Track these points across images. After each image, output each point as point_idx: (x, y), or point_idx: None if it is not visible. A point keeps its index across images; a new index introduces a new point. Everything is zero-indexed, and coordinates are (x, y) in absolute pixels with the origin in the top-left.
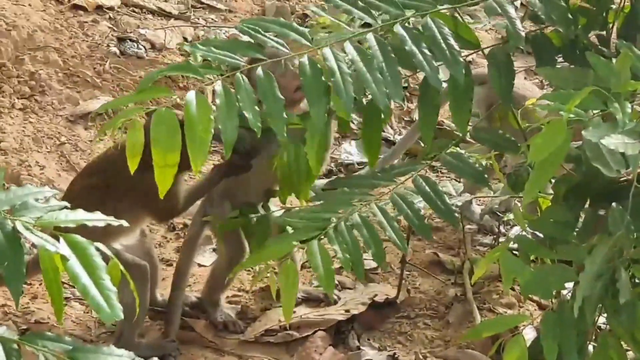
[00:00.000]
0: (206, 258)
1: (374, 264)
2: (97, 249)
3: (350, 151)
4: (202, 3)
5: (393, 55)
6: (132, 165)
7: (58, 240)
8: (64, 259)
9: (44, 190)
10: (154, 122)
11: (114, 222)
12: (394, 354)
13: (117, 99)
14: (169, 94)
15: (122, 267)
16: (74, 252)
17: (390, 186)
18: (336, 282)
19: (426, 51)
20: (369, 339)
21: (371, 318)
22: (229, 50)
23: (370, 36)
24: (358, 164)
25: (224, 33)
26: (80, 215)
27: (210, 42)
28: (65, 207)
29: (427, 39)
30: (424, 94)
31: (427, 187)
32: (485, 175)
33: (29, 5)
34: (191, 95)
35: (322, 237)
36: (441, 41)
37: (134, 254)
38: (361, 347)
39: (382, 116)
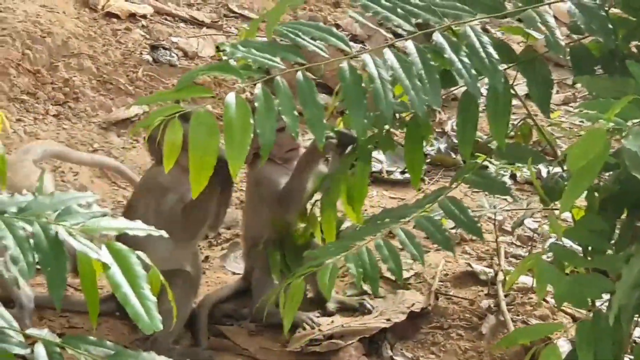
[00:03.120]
0: (239, 265)
1: (406, 274)
2: (138, 258)
3: (380, 159)
4: (234, 12)
5: (432, 63)
6: (168, 165)
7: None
8: (105, 266)
9: (86, 196)
10: (193, 123)
11: (155, 232)
12: None
13: (155, 94)
14: (208, 93)
15: (162, 277)
16: (115, 260)
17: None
18: (368, 291)
19: (465, 59)
20: (402, 349)
21: (405, 328)
22: (268, 52)
23: (409, 43)
24: (387, 172)
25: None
26: (123, 223)
27: (250, 43)
28: (107, 214)
29: (466, 48)
30: (463, 107)
31: (452, 206)
32: (509, 187)
33: (64, 12)
34: (231, 97)
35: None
36: (480, 50)
37: (182, 261)
38: (394, 357)
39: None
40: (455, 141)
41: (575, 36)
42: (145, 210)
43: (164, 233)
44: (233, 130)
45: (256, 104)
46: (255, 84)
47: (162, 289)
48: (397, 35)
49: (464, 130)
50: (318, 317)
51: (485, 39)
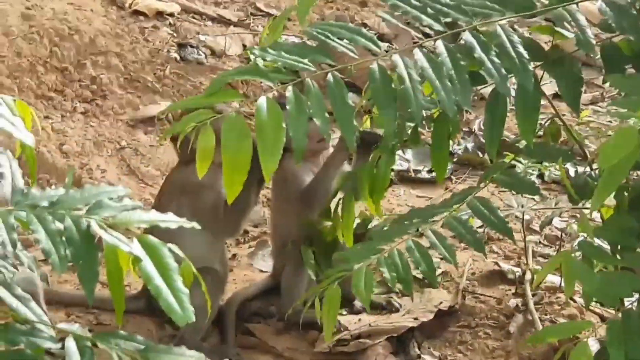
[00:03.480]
0: (267, 263)
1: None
2: (170, 251)
3: (407, 157)
4: (261, 11)
5: (462, 63)
6: (201, 170)
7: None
8: (137, 259)
9: (117, 190)
10: (224, 127)
11: (187, 224)
12: None
13: (185, 99)
14: (239, 97)
15: (194, 270)
16: (146, 252)
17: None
18: (396, 290)
19: (495, 59)
20: (429, 348)
21: (432, 326)
22: (298, 54)
23: (439, 43)
24: (414, 171)
25: (283, 41)
26: (154, 216)
27: (280, 46)
28: (139, 207)
29: (496, 47)
30: (491, 106)
31: (481, 207)
32: (537, 186)
33: (91, 10)
34: (262, 100)
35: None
36: (510, 49)
37: (211, 259)
38: (422, 356)
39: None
40: (483, 140)
41: (605, 35)
42: (177, 210)
43: (195, 225)
44: (265, 133)
45: (287, 107)
46: (283, 85)
47: (192, 286)
48: (426, 35)
49: (492, 129)
50: (345, 315)
51: (516, 38)
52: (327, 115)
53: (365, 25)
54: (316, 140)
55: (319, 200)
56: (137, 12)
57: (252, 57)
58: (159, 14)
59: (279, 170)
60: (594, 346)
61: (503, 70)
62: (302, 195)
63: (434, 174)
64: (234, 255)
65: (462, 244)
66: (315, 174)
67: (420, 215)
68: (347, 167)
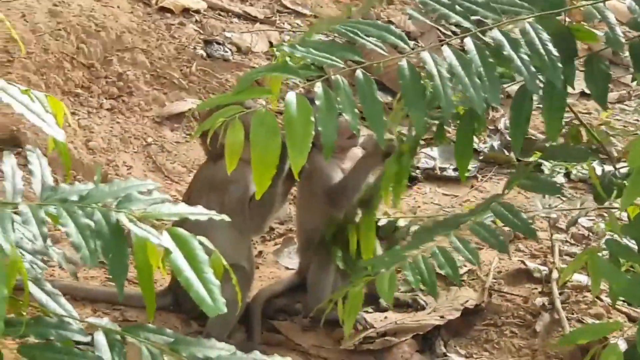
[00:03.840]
0: (293, 261)
1: (460, 271)
2: (200, 243)
3: (433, 155)
4: (288, 8)
5: (491, 60)
6: (230, 165)
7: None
8: (167, 251)
9: (147, 183)
10: (254, 123)
11: (216, 216)
12: None
13: (215, 97)
14: (268, 94)
15: (225, 262)
16: (176, 245)
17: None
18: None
19: (524, 56)
20: (455, 346)
21: (458, 325)
22: (327, 51)
23: (468, 40)
24: (440, 169)
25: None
26: (183, 209)
27: (309, 43)
28: (167, 200)
29: (525, 44)
30: (517, 103)
31: (505, 211)
32: (559, 186)
33: (118, 7)
34: (291, 96)
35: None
36: (539, 47)
37: (238, 255)
38: (448, 354)
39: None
40: (509, 139)
41: (634, 33)
42: (206, 206)
43: (225, 217)
44: (294, 128)
45: (317, 102)
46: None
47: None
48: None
49: (517, 126)
50: (371, 312)
51: (545, 35)
52: (357, 111)
53: (391, 22)
54: (346, 136)
55: (346, 200)
56: (163, 9)
57: (277, 54)
58: (185, 11)
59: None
60: (622, 346)
61: (532, 68)
62: (330, 193)
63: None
64: (260, 252)
65: None
66: (344, 173)
67: (446, 225)
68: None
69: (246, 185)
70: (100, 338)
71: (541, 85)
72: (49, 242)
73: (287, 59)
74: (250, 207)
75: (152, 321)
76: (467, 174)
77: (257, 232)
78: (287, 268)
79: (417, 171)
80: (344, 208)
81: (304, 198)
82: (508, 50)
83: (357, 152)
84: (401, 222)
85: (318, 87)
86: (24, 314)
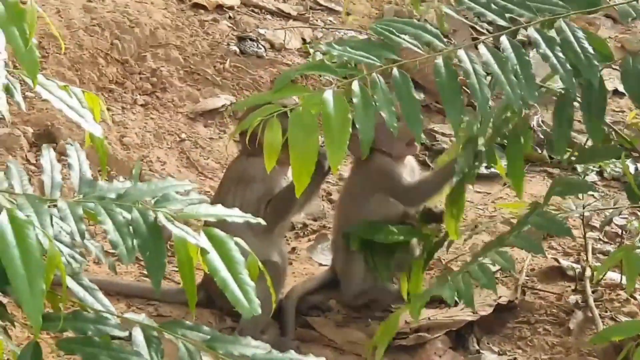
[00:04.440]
0: (326, 257)
1: (492, 268)
2: (236, 244)
3: None
4: (321, 5)
5: (527, 58)
6: (269, 165)
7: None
8: (203, 251)
9: (184, 184)
10: (291, 122)
11: (252, 219)
12: (514, 359)
13: (253, 96)
14: (306, 92)
15: (260, 264)
16: (213, 245)
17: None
18: None
19: (560, 54)
20: (488, 343)
21: (491, 322)
22: (363, 50)
23: (504, 38)
24: None
25: (342, 35)
26: (220, 211)
27: (346, 42)
28: (205, 201)
29: (561, 43)
30: (560, 109)
31: (541, 220)
32: (591, 185)
33: (152, 3)
34: (328, 94)
35: None
36: (575, 44)
37: (269, 251)
38: (481, 351)
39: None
40: (541, 136)
41: None
42: (233, 201)
43: (261, 221)
44: (332, 126)
45: (354, 100)
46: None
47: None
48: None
49: (560, 130)
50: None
51: (580, 33)
52: (394, 109)
53: (424, 20)
54: (405, 141)
55: (423, 199)
56: (197, 5)
57: (311, 50)
58: (219, 7)
59: (364, 165)
60: None
61: (568, 65)
62: (407, 191)
63: (493, 169)
64: (294, 249)
65: None
66: (429, 174)
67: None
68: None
69: (270, 185)
70: (137, 334)
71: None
72: (86, 235)
73: (320, 55)
74: (267, 206)
75: (182, 318)
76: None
77: (267, 232)
78: (320, 264)
79: None
80: (419, 206)
81: (352, 196)
82: (544, 48)
83: (412, 160)
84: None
85: (355, 85)
86: (62, 308)
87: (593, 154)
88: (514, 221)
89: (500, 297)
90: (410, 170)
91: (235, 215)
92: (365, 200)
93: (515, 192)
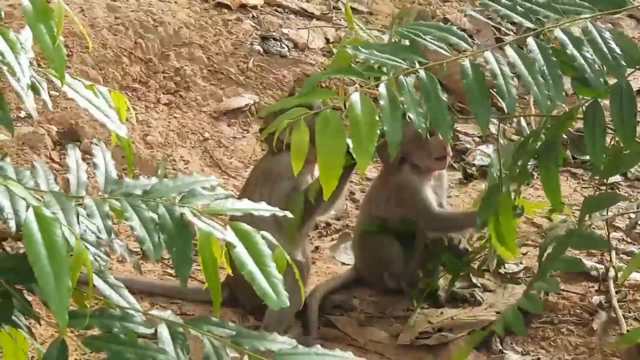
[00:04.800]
0: (349, 256)
1: (516, 268)
2: (263, 238)
3: (489, 153)
4: (344, 4)
5: (554, 59)
6: (297, 167)
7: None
8: (230, 245)
9: (210, 179)
10: (319, 124)
11: (279, 212)
12: (538, 359)
13: (281, 100)
14: (334, 96)
15: (287, 257)
16: (240, 239)
17: None
18: (478, 284)
19: (588, 55)
20: (512, 343)
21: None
22: (390, 53)
23: (530, 40)
24: None
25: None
26: (247, 205)
27: (372, 45)
28: (231, 196)
29: (588, 43)
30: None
31: (581, 241)
32: (622, 196)
33: (175, 2)
34: (356, 96)
35: None
36: (602, 45)
37: (293, 250)
38: (504, 351)
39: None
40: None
41: None
42: (259, 200)
43: (288, 214)
44: (359, 128)
45: (381, 103)
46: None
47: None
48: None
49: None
50: (428, 308)
51: (607, 34)
52: (421, 111)
53: (446, 20)
54: (434, 156)
55: (440, 232)
56: (220, 4)
57: (334, 50)
58: (243, 7)
59: (392, 179)
60: None
61: (596, 66)
62: (427, 218)
63: None
64: (317, 248)
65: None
66: (433, 191)
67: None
68: None
69: (297, 183)
70: (163, 331)
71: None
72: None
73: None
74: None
75: (217, 315)
76: None
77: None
78: (343, 263)
79: (473, 168)
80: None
81: (380, 202)
82: (571, 49)
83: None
84: None
85: (382, 88)
86: (88, 306)
87: (620, 163)
88: (537, 221)
89: None
90: (438, 178)
91: (262, 209)
92: (389, 213)
93: (552, 204)
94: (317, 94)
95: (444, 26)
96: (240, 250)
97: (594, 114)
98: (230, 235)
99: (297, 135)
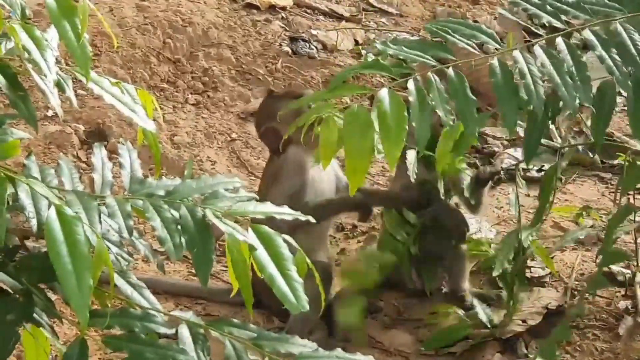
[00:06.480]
0: None
1: (542, 272)
2: (285, 241)
3: (516, 156)
4: (374, 6)
5: (583, 59)
6: (325, 162)
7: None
8: (251, 248)
9: (234, 181)
10: (346, 120)
11: (301, 216)
12: None
13: (310, 95)
14: (363, 91)
15: (308, 261)
16: (261, 242)
17: None
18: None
19: (616, 56)
20: (537, 348)
21: (540, 326)
22: (419, 49)
23: (559, 40)
24: (523, 169)
25: (396, 36)
26: (269, 208)
27: (400, 41)
28: (254, 199)
29: (617, 45)
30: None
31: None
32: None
33: (204, 2)
34: (383, 92)
35: None
36: (631, 47)
37: (317, 251)
38: (529, 355)
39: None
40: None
41: None
42: (274, 199)
43: (311, 218)
44: (387, 124)
45: (410, 99)
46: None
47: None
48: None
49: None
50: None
51: (636, 36)
52: (449, 107)
53: (476, 22)
54: None
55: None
56: (250, 5)
57: (363, 52)
58: (272, 8)
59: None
60: None
61: (624, 68)
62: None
63: (542, 172)
64: (343, 250)
65: (572, 245)
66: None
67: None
68: None
69: (303, 182)
70: (184, 331)
71: None
72: (135, 234)
73: (371, 56)
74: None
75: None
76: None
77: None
78: None
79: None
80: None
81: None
82: (599, 50)
83: None
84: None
85: (411, 84)
86: (109, 305)
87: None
88: (564, 225)
89: (549, 303)
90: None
91: (285, 212)
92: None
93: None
94: (346, 89)
95: (474, 24)
96: (261, 252)
97: (606, 92)
98: (252, 238)
99: (326, 129)
